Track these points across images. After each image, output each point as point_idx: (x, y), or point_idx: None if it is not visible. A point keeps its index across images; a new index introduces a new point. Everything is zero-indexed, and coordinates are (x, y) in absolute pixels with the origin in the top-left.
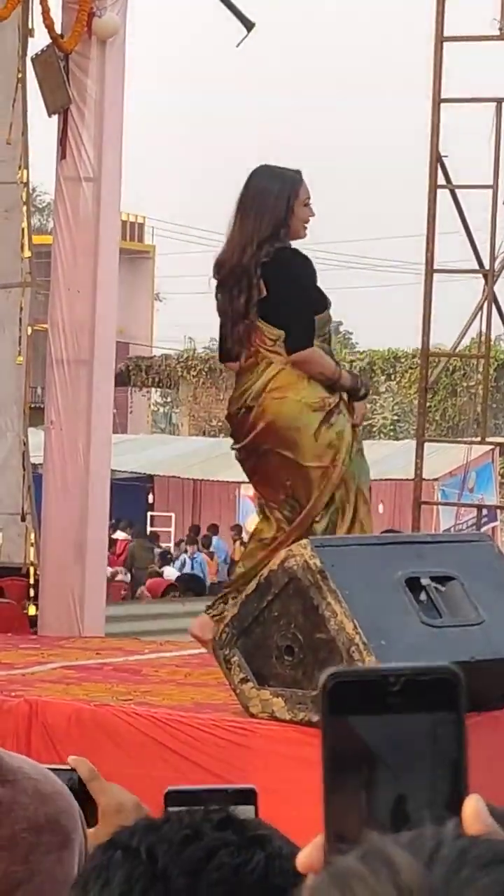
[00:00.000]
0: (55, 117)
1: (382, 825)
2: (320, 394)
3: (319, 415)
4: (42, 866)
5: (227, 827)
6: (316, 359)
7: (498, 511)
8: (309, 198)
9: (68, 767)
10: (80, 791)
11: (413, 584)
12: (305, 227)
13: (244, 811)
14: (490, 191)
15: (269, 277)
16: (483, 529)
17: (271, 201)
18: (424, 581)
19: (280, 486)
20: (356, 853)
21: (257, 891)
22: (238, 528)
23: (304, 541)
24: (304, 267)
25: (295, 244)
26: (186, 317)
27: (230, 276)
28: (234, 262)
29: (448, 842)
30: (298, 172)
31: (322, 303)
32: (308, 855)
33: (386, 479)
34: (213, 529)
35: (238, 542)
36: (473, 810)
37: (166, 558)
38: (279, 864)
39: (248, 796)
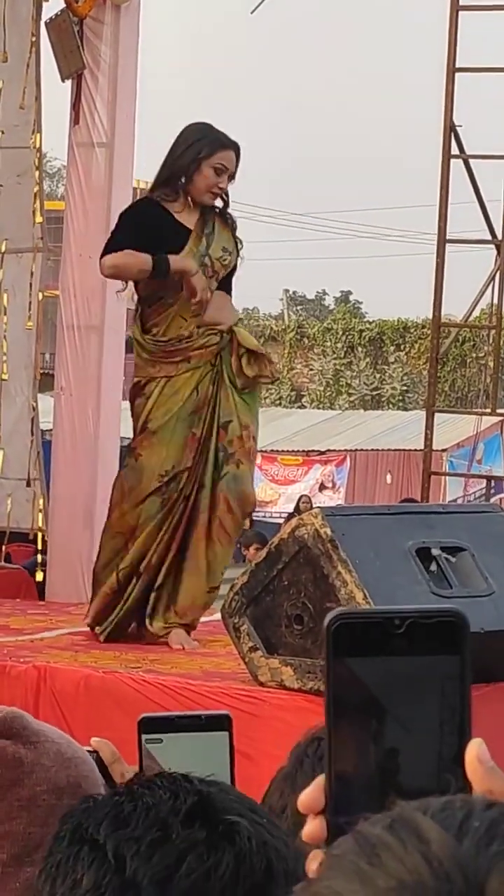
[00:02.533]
0: (68, 82)
1: (384, 769)
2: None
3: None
4: None
5: (195, 820)
6: (121, 261)
7: None
8: (225, 167)
9: (90, 749)
10: (102, 773)
11: (423, 555)
12: (210, 195)
13: (218, 737)
14: (503, 161)
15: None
16: (491, 501)
17: (181, 149)
18: (435, 551)
19: None
20: (383, 821)
21: (227, 893)
22: None
23: (315, 510)
24: (132, 211)
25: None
26: None
27: None
28: None
29: (477, 813)
30: (232, 142)
31: (147, 244)
32: (309, 796)
33: (394, 450)
34: None
35: None
36: (475, 755)
37: None
38: (248, 863)
39: (223, 722)
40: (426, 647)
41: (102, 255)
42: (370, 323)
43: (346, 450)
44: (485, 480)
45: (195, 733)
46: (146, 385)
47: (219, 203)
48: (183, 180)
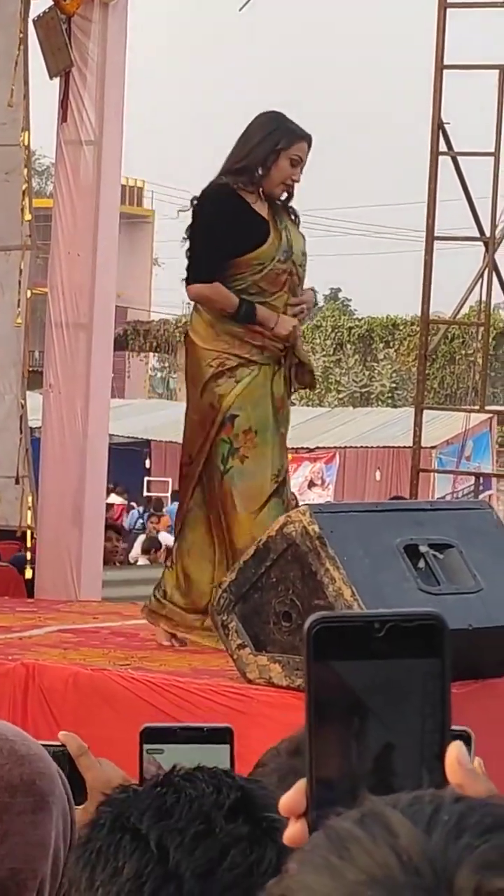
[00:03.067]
0: (56, 80)
1: (366, 772)
2: (221, 347)
3: (210, 370)
4: (15, 827)
5: (238, 815)
6: (207, 295)
7: (494, 479)
8: (301, 159)
9: (58, 743)
10: (70, 767)
11: (412, 551)
12: (285, 187)
13: (219, 750)
14: (492, 158)
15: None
16: (480, 498)
17: (257, 139)
18: (423, 548)
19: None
20: (354, 816)
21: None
22: None
23: (303, 506)
24: (214, 203)
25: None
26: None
27: None
28: None
29: (447, 806)
30: (307, 134)
31: (236, 242)
32: (290, 798)
33: (383, 447)
34: None
35: None
36: (455, 757)
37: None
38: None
39: (224, 736)
40: (406, 649)
41: (193, 272)
42: (359, 320)
43: (335, 447)
44: (473, 477)
45: (196, 745)
46: (235, 370)
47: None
48: (259, 171)
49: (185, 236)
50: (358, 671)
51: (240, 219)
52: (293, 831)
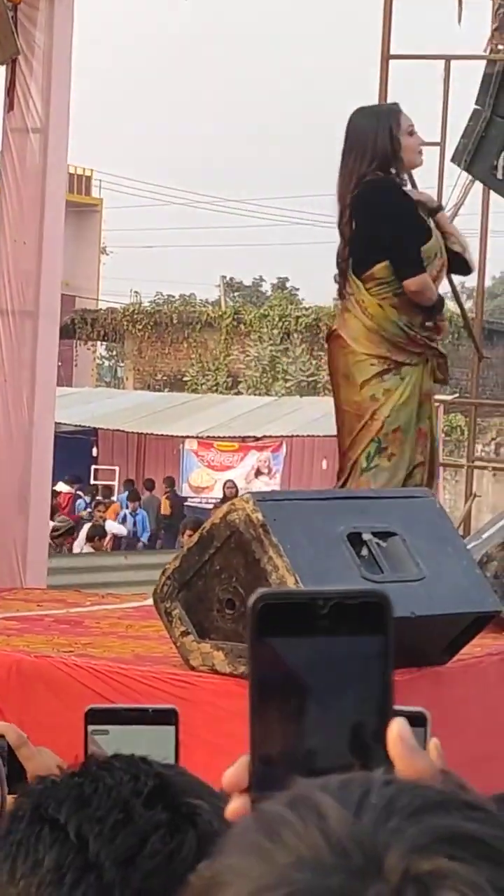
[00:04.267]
0: (2, 68)
1: (307, 749)
2: (380, 352)
3: (376, 368)
4: None
5: (157, 801)
6: (428, 284)
7: (441, 468)
8: (411, 125)
9: None
10: (9, 757)
11: (355, 540)
12: (420, 154)
13: (164, 731)
14: (438, 148)
15: (356, 214)
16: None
17: (371, 138)
18: (366, 536)
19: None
20: (283, 799)
21: (189, 874)
22: (171, 481)
23: (246, 495)
24: (398, 194)
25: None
26: (133, 270)
27: (339, 218)
28: (340, 205)
29: (376, 789)
30: (395, 104)
31: (422, 230)
32: (233, 774)
33: (330, 436)
34: (150, 484)
35: (166, 496)
36: (396, 733)
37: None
38: (211, 844)
39: (169, 716)
40: (350, 627)
41: (412, 266)
42: (307, 309)
43: (281, 436)
44: None
45: (141, 726)
46: (384, 374)
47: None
48: (396, 162)
49: (362, 229)
50: (301, 649)
51: (418, 210)
52: (235, 806)
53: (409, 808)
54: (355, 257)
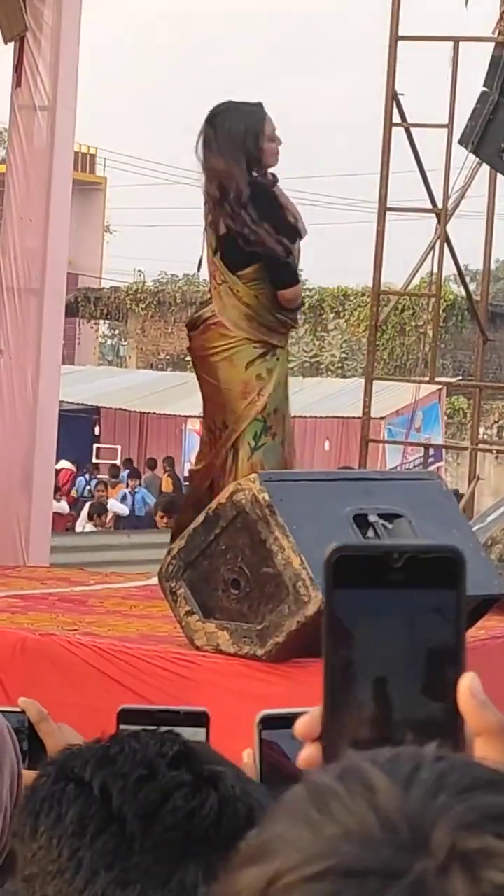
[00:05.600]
0: (11, 45)
1: (377, 700)
2: (258, 336)
3: (258, 350)
4: None
5: (181, 764)
6: (300, 294)
7: (444, 451)
8: (274, 129)
9: (18, 709)
10: (29, 732)
11: (361, 521)
12: (275, 156)
13: (195, 733)
14: (445, 130)
15: (233, 213)
16: (429, 469)
17: (240, 140)
18: (372, 518)
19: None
20: (334, 770)
21: (210, 834)
22: (171, 461)
23: (252, 475)
24: (268, 199)
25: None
26: (136, 249)
27: (205, 211)
28: (207, 198)
29: (427, 765)
30: (259, 106)
31: (294, 233)
32: (305, 723)
33: (332, 417)
34: (151, 463)
35: (167, 474)
36: (468, 686)
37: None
38: (231, 807)
39: (200, 719)
40: (423, 581)
41: (291, 276)
42: (310, 290)
43: None
44: (423, 449)
45: (172, 728)
46: (265, 355)
47: None
48: (258, 168)
49: (249, 228)
50: (374, 601)
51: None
52: (307, 754)
53: (459, 785)
54: (230, 255)
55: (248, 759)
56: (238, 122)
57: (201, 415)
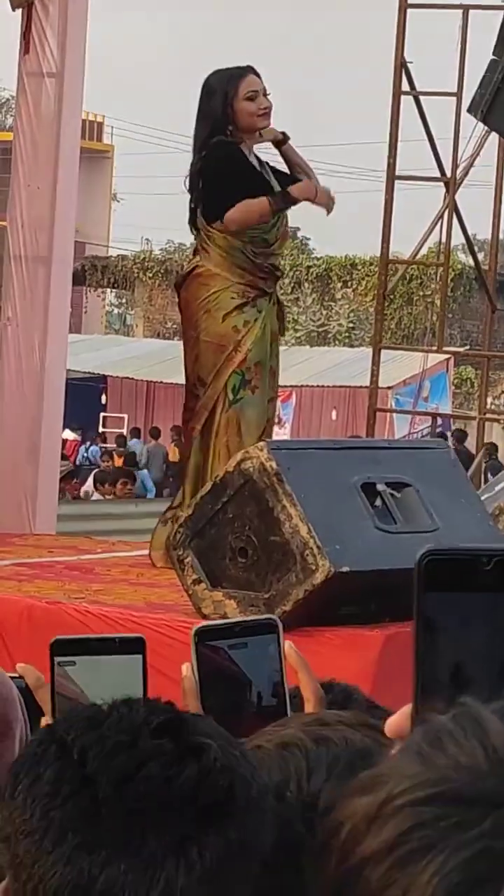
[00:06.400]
0: (19, 11)
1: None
2: (235, 277)
3: (236, 301)
4: None
5: (165, 733)
6: (243, 213)
7: (452, 420)
8: (255, 90)
9: (16, 675)
10: (27, 699)
11: (368, 490)
12: (260, 118)
13: (132, 660)
14: (454, 98)
15: (201, 176)
16: None
17: (207, 103)
18: (380, 486)
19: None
20: (450, 714)
21: (185, 805)
22: (178, 429)
23: (260, 443)
24: (222, 150)
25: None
26: (144, 218)
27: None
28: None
29: None
30: (245, 68)
31: (253, 184)
32: (396, 722)
33: (340, 386)
34: (155, 432)
35: (173, 443)
36: None
37: None
38: (211, 779)
39: (136, 645)
40: None
41: (218, 212)
42: (318, 259)
43: (291, 386)
44: (430, 418)
45: (109, 656)
46: (243, 306)
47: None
48: (229, 128)
49: (193, 186)
50: (465, 603)
51: (245, 167)
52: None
53: None
54: (203, 215)
55: (186, 671)
56: (212, 85)
57: None
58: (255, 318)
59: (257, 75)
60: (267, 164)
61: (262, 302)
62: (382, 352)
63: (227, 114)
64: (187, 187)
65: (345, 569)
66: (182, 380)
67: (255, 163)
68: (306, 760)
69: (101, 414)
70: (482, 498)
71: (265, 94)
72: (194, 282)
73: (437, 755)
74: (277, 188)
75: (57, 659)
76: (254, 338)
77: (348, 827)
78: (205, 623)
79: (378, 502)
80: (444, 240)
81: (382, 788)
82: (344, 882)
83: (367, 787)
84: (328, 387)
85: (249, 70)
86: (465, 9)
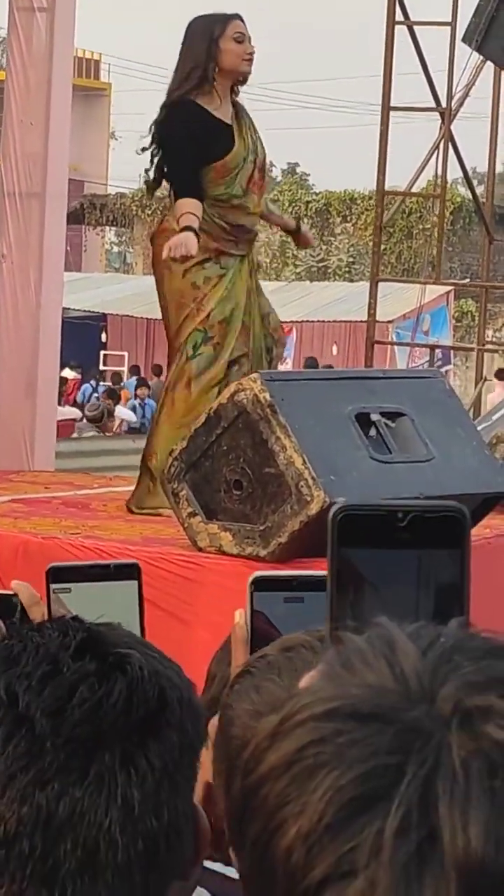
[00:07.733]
0: None
1: None
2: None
3: (197, 256)
4: None
5: (85, 653)
6: (189, 210)
7: (452, 354)
8: (242, 34)
9: (10, 592)
10: (22, 616)
11: (363, 420)
12: (245, 62)
13: (128, 586)
14: (448, 28)
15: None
16: None
17: (188, 48)
18: (374, 416)
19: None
20: (366, 634)
21: (121, 722)
22: None
23: (254, 374)
24: (177, 117)
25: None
26: (142, 156)
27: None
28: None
29: (448, 632)
30: (233, 13)
31: (206, 151)
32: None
33: (340, 321)
34: (157, 369)
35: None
36: None
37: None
38: (140, 690)
39: (132, 571)
40: (427, 539)
41: (179, 189)
42: (317, 194)
43: (292, 321)
44: (429, 352)
45: (104, 582)
46: (205, 262)
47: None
48: (211, 65)
49: (152, 153)
50: (379, 559)
51: (205, 127)
52: None
53: (474, 651)
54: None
55: (239, 618)
56: (198, 24)
57: None
58: (218, 275)
59: (244, 23)
60: (244, 108)
61: (227, 259)
62: (383, 287)
63: (211, 52)
64: (150, 133)
65: (340, 499)
66: None
67: (221, 116)
68: (313, 657)
69: (102, 352)
70: (479, 427)
71: (249, 42)
72: (161, 237)
73: (346, 675)
74: (250, 143)
75: (52, 586)
76: (218, 298)
77: (252, 745)
78: (261, 572)
79: (373, 432)
80: (440, 171)
81: (292, 705)
82: (246, 800)
83: (277, 705)
84: (328, 322)
85: (235, 15)
86: None
